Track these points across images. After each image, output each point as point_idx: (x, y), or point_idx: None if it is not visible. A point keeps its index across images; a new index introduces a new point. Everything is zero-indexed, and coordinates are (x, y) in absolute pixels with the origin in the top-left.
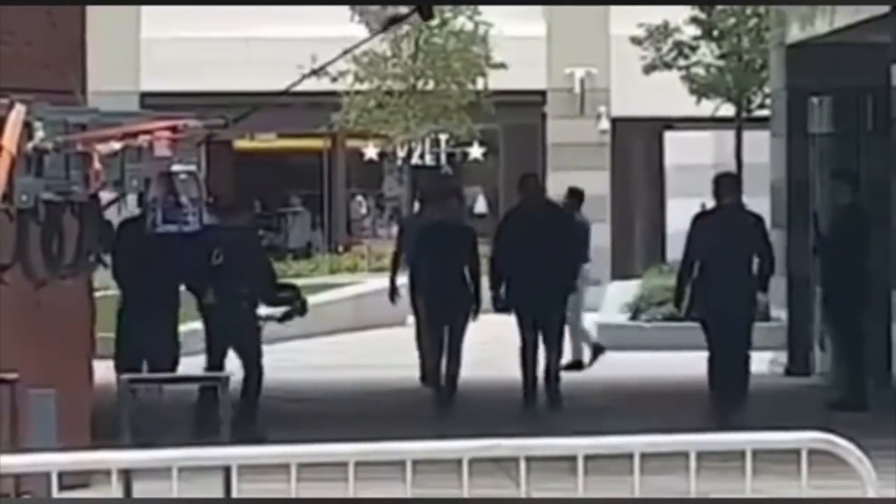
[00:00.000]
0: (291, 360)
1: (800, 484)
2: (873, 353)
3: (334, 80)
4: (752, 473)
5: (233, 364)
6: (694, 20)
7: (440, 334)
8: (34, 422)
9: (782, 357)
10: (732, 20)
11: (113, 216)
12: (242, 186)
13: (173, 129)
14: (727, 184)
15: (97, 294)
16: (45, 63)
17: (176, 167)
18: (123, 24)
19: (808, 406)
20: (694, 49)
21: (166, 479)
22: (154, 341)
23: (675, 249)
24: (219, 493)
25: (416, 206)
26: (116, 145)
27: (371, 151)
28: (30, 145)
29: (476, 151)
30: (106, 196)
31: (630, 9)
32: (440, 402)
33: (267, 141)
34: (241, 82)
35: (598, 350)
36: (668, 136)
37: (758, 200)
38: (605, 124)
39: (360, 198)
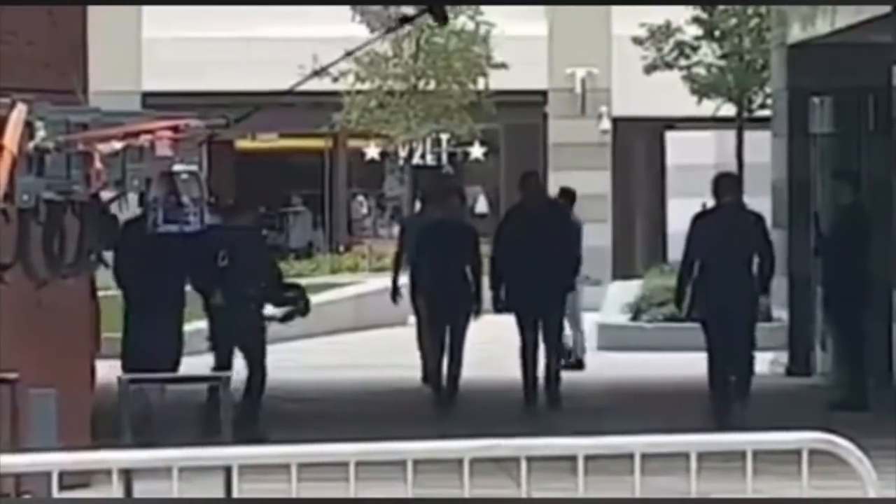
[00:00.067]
0: (292, 359)
1: (800, 484)
2: (874, 353)
3: (336, 80)
4: (753, 474)
5: (240, 364)
6: (695, 20)
7: (441, 334)
8: (35, 421)
9: (783, 357)
10: (734, 20)
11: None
12: (244, 186)
13: (175, 128)
14: (726, 183)
15: (104, 294)
16: (47, 63)
17: (177, 167)
18: (125, 24)
19: (809, 406)
20: (695, 49)
21: (167, 479)
22: (160, 341)
23: (676, 250)
24: (219, 493)
25: (418, 205)
26: (118, 145)
27: (372, 151)
28: (31, 145)
29: (477, 151)
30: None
31: (631, 9)
32: (441, 402)
33: (268, 141)
34: (242, 82)
35: (578, 362)
36: (670, 136)
37: (759, 200)
38: (606, 124)
39: (361, 197)
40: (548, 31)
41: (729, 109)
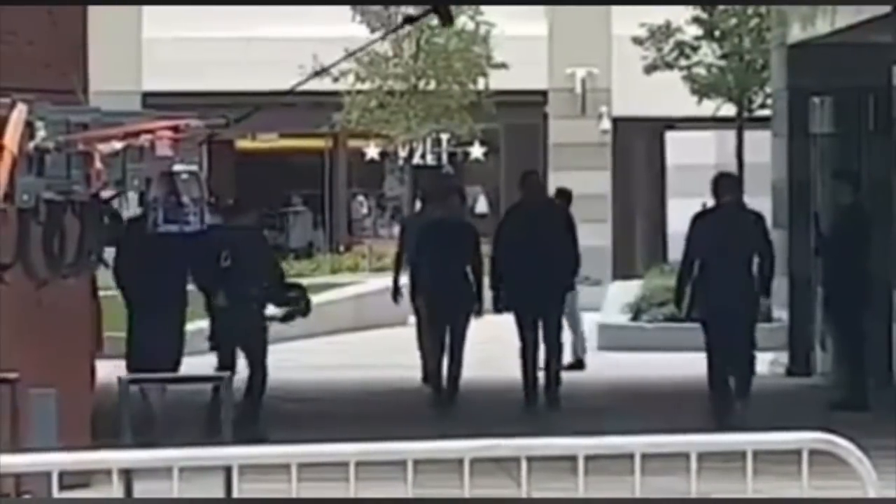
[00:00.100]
0: (292, 359)
1: (800, 484)
2: (874, 353)
3: (336, 80)
4: (753, 474)
5: (240, 364)
6: (695, 20)
7: (441, 334)
8: (35, 421)
9: (783, 357)
10: (734, 20)
11: None
12: (244, 186)
13: (175, 128)
14: (726, 183)
15: (106, 293)
16: (47, 63)
17: (177, 167)
18: (125, 24)
19: (809, 406)
20: (695, 49)
21: (167, 479)
22: (160, 341)
23: (676, 250)
24: (220, 493)
25: (418, 205)
26: (118, 145)
27: (372, 151)
28: (31, 145)
29: (477, 151)
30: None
31: (631, 9)
32: (441, 402)
33: (268, 141)
34: (242, 82)
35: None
36: (670, 136)
37: (759, 200)
38: (606, 124)
39: (361, 197)
40: (548, 31)
41: (729, 109)
